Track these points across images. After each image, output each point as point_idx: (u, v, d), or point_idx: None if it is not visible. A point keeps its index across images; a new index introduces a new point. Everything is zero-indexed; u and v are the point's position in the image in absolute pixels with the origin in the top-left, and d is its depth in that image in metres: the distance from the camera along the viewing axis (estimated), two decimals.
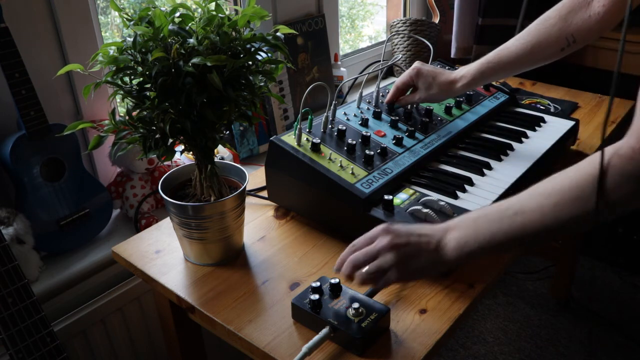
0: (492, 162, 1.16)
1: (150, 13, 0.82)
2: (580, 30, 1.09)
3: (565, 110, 1.56)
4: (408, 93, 1.27)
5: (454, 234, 0.80)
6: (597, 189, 0.68)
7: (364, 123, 1.17)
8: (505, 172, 1.13)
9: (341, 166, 1.03)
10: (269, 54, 0.89)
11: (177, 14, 0.83)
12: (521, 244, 0.77)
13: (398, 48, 2.09)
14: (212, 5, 0.85)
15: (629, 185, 0.67)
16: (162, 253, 1.03)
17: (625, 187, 0.67)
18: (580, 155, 1.34)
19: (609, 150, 0.69)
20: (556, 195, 0.73)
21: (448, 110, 1.29)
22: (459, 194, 1.05)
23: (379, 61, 1.49)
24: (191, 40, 0.80)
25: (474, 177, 1.10)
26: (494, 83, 1.50)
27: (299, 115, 1.05)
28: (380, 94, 1.29)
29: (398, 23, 2.07)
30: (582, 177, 0.71)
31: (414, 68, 1.23)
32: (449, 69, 1.51)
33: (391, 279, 0.80)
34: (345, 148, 1.07)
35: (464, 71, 1.21)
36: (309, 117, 1.10)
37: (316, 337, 0.79)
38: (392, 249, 0.80)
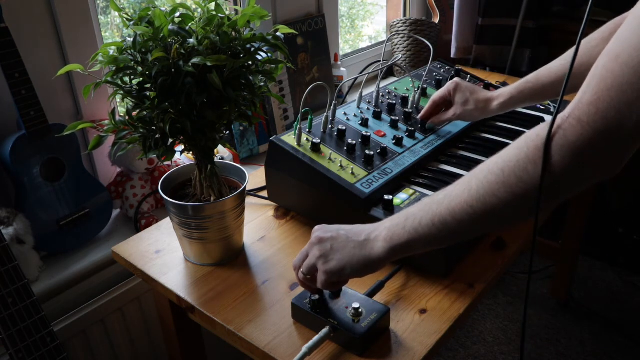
0: None
1: (150, 13, 0.82)
2: None
3: None
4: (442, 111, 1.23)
5: (386, 224, 0.75)
6: (542, 159, 0.62)
7: (364, 123, 1.17)
8: None
9: (341, 166, 1.03)
10: (269, 54, 0.89)
11: (177, 14, 0.83)
12: (454, 233, 0.71)
13: (398, 48, 2.09)
14: (212, 5, 0.85)
15: (560, 156, 0.61)
16: (162, 253, 1.03)
17: (556, 158, 0.62)
18: None
19: (549, 121, 0.64)
20: (483, 173, 0.68)
21: None
22: None
23: (379, 61, 1.49)
24: (191, 40, 0.80)
25: None
26: (493, 83, 1.50)
27: (299, 115, 1.05)
28: (380, 94, 1.29)
29: (398, 23, 2.07)
30: (510, 151, 0.67)
31: (452, 82, 1.20)
32: (447, 69, 1.51)
33: (322, 279, 0.78)
34: (345, 148, 1.07)
35: (502, 90, 1.17)
36: (309, 117, 1.10)
37: (316, 337, 0.79)
38: (317, 242, 0.79)
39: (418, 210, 0.73)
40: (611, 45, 0.59)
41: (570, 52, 1.09)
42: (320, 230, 0.80)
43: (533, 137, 0.65)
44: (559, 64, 1.10)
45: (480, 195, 0.67)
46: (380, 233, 0.75)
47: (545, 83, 1.11)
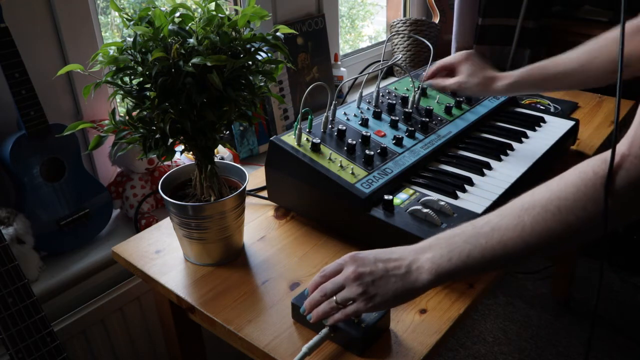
0: (492, 162, 1.16)
1: (150, 13, 0.82)
2: (636, 52, 0.97)
3: (565, 110, 1.56)
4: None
5: (427, 255, 0.74)
6: (604, 193, 0.62)
7: (364, 123, 1.17)
8: (505, 172, 1.13)
9: (341, 166, 1.03)
10: (269, 54, 0.89)
11: (177, 14, 0.83)
12: (503, 263, 0.72)
13: (398, 48, 2.09)
14: (212, 5, 0.85)
15: (624, 194, 0.62)
16: (162, 253, 1.03)
17: (619, 195, 0.63)
18: (581, 156, 1.34)
19: (602, 156, 0.64)
20: (535, 209, 0.68)
21: (448, 110, 1.29)
22: (459, 194, 1.05)
23: (379, 61, 1.49)
24: (191, 40, 0.80)
25: (474, 177, 1.10)
26: None
27: (299, 115, 1.05)
28: (380, 94, 1.29)
29: (398, 23, 2.07)
30: (564, 188, 0.66)
31: (464, 53, 1.21)
32: None
33: (352, 310, 0.76)
34: (345, 148, 1.07)
35: (510, 72, 1.16)
36: (309, 117, 1.10)
37: (316, 337, 0.79)
38: (356, 279, 0.75)
39: (462, 241, 0.72)
40: None
41: (582, 46, 1.07)
42: (357, 264, 0.76)
43: (590, 174, 0.65)
44: (572, 55, 1.09)
45: (535, 232, 0.67)
46: (422, 264, 0.74)
47: (553, 72, 1.11)
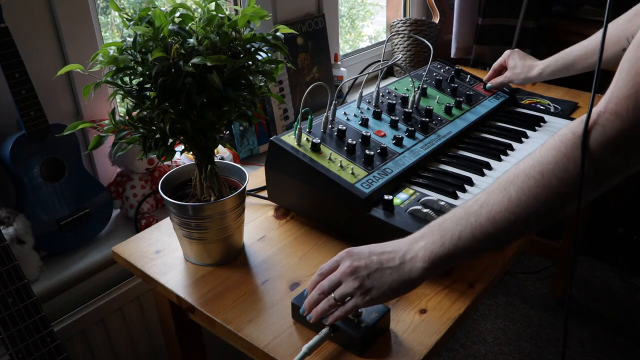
0: (492, 162, 1.16)
1: (150, 13, 0.82)
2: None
3: (565, 110, 1.56)
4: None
5: (421, 244, 0.74)
6: (581, 156, 0.63)
7: (364, 123, 1.17)
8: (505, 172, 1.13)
9: (341, 166, 1.03)
10: (269, 54, 0.89)
11: (177, 14, 0.83)
12: (495, 241, 0.71)
13: (398, 48, 2.09)
14: (212, 5, 0.85)
15: (601, 152, 0.63)
16: (162, 253, 1.03)
17: (597, 153, 0.63)
18: None
19: (580, 118, 0.65)
20: (519, 178, 0.69)
21: (448, 110, 1.29)
22: (459, 194, 1.05)
23: (379, 61, 1.49)
24: (191, 40, 0.80)
25: (474, 177, 1.10)
26: None
27: (299, 115, 1.05)
28: (380, 94, 1.29)
29: (398, 23, 2.07)
30: (545, 153, 0.67)
31: (509, 51, 1.42)
32: (447, 69, 1.51)
33: (351, 306, 0.76)
34: (345, 148, 1.07)
35: (544, 60, 1.34)
36: (309, 117, 1.10)
37: (316, 337, 0.79)
38: (352, 273, 0.76)
39: (453, 224, 0.72)
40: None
41: (600, 32, 1.20)
42: (352, 258, 0.77)
43: (569, 135, 0.66)
44: (591, 39, 1.24)
45: (522, 201, 0.68)
46: (416, 254, 0.74)
47: (576, 55, 1.28)
